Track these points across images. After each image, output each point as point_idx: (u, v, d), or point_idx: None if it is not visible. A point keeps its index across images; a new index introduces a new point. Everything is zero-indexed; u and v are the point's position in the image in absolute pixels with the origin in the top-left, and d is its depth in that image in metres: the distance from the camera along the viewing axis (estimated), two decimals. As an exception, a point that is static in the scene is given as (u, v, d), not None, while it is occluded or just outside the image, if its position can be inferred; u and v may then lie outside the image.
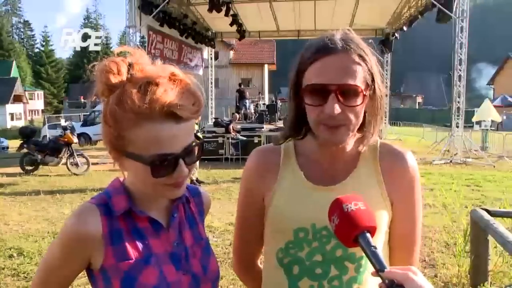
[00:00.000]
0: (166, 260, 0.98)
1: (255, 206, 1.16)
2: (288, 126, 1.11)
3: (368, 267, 1.05)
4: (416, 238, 1.14)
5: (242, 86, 21.54)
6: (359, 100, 0.98)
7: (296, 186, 1.11)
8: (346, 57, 0.97)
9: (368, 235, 0.84)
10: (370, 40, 1.06)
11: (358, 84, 0.97)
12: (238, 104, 19.53)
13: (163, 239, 0.99)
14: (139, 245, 0.96)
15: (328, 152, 1.09)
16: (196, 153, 0.95)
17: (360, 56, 0.99)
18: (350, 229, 0.85)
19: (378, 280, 0.82)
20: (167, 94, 0.86)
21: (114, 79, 0.88)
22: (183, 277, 0.99)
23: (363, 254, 0.95)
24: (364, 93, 0.98)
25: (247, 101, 19.63)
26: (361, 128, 1.05)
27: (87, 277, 1.00)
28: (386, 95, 20.17)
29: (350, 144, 1.08)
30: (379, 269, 0.80)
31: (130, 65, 0.90)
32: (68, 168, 10.96)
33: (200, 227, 1.10)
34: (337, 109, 0.95)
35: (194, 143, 0.93)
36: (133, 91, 0.86)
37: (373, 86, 1.01)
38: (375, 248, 0.83)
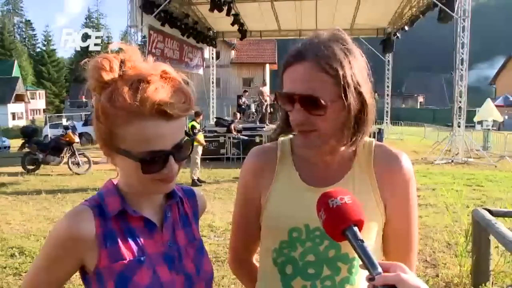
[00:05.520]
0: (159, 260, 0.98)
1: (252, 205, 1.18)
2: (280, 122, 1.14)
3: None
4: (413, 239, 1.13)
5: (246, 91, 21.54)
6: (322, 111, 0.98)
7: (291, 187, 1.12)
8: (312, 66, 0.97)
9: (355, 229, 0.84)
10: (355, 42, 1.06)
11: (320, 95, 0.96)
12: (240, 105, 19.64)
13: (156, 239, 1.00)
14: (133, 245, 0.96)
15: (324, 154, 1.10)
16: (186, 149, 0.96)
17: (331, 66, 0.96)
18: (336, 224, 0.84)
19: None
20: (158, 92, 0.87)
21: (106, 76, 0.89)
22: (176, 277, 0.99)
23: (356, 255, 0.94)
24: (326, 103, 0.97)
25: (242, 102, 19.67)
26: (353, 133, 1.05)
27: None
28: (387, 95, 20.12)
29: (337, 148, 1.07)
30: (369, 273, 0.80)
31: (122, 62, 0.91)
32: (69, 168, 10.99)
33: (194, 228, 1.11)
34: (301, 116, 0.98)
35: (184, 140, 0.94)
36: (125, 88, 0.87)
37: (345, 93, 0.98)
38: (362, 241, 0.82)
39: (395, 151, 1.13)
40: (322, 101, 0.97)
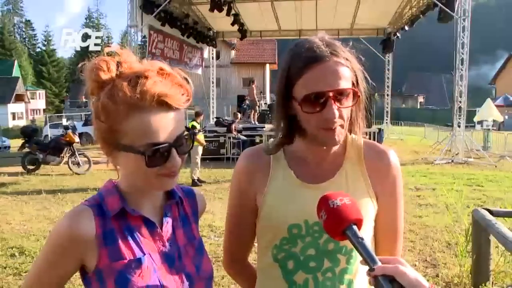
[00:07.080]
0: (159, 259, 0.98)
1: (247, 206, 1.20)
2: (282, 135, 1.14)
3: (358, 258, 1.10)
4: (399, 229, 1.20)
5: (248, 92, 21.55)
6: (352, 101, 1.04)
7: (288, 185, 1.15)
8: (335, 62, 1.01)
9: (355, 227, 0.88)
10: (350, 42, 1.11)
11: (350, 86, 1.03)
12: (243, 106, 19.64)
13: (156, 239, 1.00)
14: (133, 244, 0.96)
15: (317, 152, 1.14)
16: (187, 144, 0.97)
17: (346, 58, 1.04)
18: (337, 224, 0.88)
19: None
20: (156, 84, 0.89)
21: (104, 76, 0.91)
22: (176, 276, 1.00)
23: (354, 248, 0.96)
24: (358, 93, 1.05)
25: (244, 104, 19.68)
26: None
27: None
28: (388, 95, 20.17)
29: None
30: (369, 267, 0.83)
31: (118, 63, 0.93)
32: (69, 168, 10.99)
33: (193, 227, 1.11)
34: (334, 112, 1.01)
35: (185, 133, 0.95)
36: (124, 84, 0.89)
37: (357, 84, 1.07)
38: (362, 239, 0.86)
39: (383, 147, 1.19)
40: (354, 91, 1.04)
